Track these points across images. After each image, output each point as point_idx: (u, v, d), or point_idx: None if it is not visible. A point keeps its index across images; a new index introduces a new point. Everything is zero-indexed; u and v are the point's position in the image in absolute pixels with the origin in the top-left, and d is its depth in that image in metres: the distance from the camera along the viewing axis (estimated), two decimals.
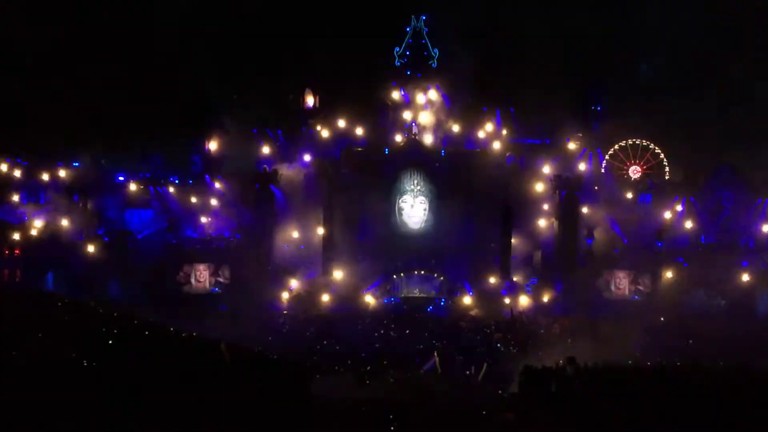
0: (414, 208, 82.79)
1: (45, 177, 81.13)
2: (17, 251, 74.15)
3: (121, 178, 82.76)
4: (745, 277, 73.95)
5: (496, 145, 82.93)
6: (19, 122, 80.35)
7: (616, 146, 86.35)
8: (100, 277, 73.14)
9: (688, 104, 79.37)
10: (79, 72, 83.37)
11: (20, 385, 29.96)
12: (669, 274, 75.11)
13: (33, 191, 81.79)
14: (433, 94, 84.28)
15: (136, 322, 45.31)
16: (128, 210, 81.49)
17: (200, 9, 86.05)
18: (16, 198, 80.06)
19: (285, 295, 75.12)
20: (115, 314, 47.65)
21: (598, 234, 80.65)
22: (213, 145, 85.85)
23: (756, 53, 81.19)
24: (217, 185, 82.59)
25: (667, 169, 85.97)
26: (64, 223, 77.67)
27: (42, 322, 41.39)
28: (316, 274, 78.75)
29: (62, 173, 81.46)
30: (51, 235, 76.13)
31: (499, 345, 59.91)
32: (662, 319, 69.98)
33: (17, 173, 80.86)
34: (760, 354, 53.40)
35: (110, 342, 38.88)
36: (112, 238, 77.33)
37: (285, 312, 72.26)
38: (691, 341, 60.95)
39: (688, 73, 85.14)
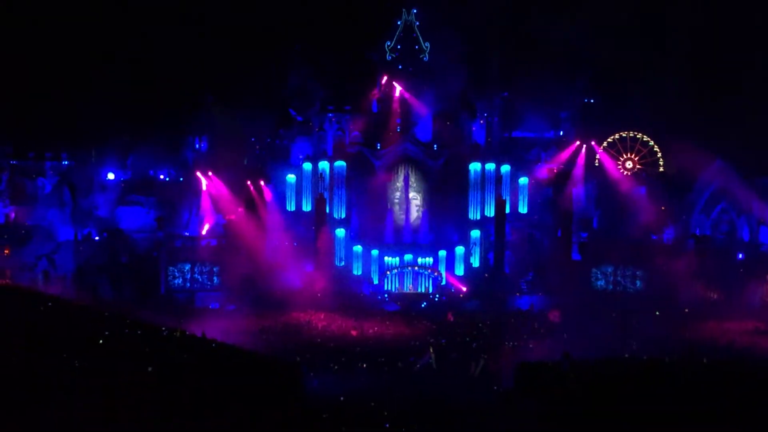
0: (407, 204, 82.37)
1: (34, 175, 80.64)
2: (6, 251, 73.55)
3: (111, 175, 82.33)
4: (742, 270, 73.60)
5: (489, 139, 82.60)
6: (9, 119, 79.90)
7: (610, 139, 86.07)
8: (90, 276, 72.55)
9: (683, 97, 79.05)
10: (69, 69, 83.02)
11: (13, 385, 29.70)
12: (664, 267, 74.64)
13: (22, 189, 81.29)
14: (425, 88, 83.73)
15: (128, 321, 44.96)
16: (119, 208, 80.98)
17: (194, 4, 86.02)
18: (4, 197, 79.57)
19: (279, 292, 74.62)
20: (106, 314, 47.31)
21: (593, 227, 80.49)
22: (203, 141, 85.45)
23: (750, 46, 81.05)
24: (208, 182, 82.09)
25: (661, 161, 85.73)
26: (54, 221, 77.17)
27: (31, 323, 41.00)
28: (309, 269, 78.31)
29: (51, 170, 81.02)
30: (41, 233, 75.53)
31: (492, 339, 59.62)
32: (657, 313, 69.64)
33: (5, 171, 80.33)
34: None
35: (102, 342, 38.54)
36: (102, 236, 76.77)
37: (279, 309, 71.68)
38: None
39: (683, 67, 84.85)
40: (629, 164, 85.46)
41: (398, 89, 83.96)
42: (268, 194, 79.84)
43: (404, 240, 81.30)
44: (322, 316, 66.81)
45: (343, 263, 79.60)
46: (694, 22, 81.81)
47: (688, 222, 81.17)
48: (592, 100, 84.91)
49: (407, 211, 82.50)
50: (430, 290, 78.27)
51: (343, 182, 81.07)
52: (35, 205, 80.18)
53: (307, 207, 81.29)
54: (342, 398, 39.72)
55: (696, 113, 78.35)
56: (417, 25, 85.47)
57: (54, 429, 27.19)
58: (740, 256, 75.80)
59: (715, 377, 35.69)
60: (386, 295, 76.78)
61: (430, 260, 79.62)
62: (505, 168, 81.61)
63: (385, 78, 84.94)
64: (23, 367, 32.15)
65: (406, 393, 40.99)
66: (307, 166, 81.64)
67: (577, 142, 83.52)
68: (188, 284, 75.53)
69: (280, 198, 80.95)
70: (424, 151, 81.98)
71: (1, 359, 32.83)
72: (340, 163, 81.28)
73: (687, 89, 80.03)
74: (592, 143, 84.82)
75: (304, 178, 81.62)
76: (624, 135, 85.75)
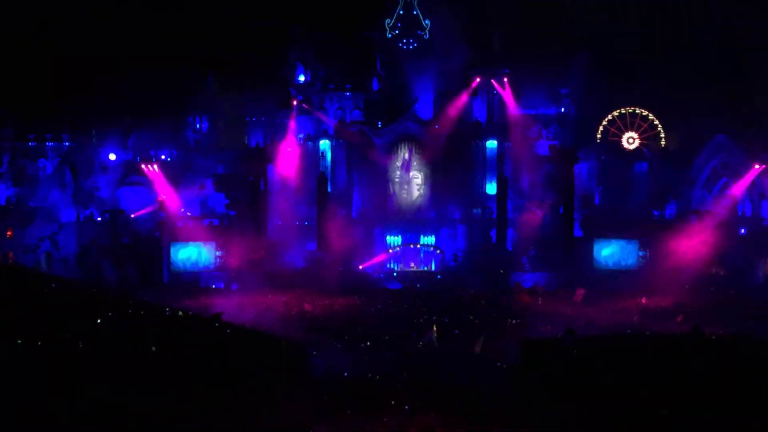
0: (409, 182, 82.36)
1: (35, 156, 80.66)
2: (9, 233, 73.59)
3: (112, 156, 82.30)
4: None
5: (490, 116, 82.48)
6: (9, 101, 79.80)
7: (611, 115, 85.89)
8: (93, 257, 72.63)
9: (684, 72, 78.85)
10: (68, 50, 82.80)
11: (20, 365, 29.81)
12: (667, 243, 74.62)
13: (23, 171, 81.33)
14: (426, 66, 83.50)
15: (131, 302, 45.03)
16: (120, 188, 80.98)
17: None
18: (6, 179, 79.59)
19: (282, 271, 74.79)
20: (110, 295, 47.43)
21: (594, 204, 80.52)
22: (204, 122, 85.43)
23: (752, 23, 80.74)
24: (210, 162, 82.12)
25: (662, 137, 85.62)
26: (56, 202, 77.24)
27: (34, 304, 41.08)
28: (312, 249, 78.42)
29: (53, 152, 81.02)
30: (43, 215, 75.60)
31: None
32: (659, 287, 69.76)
33: (7, 153, 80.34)
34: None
35: (105, 323, 38.64)
36: (104, 217, 76.80)
37: (283, 288, 71.80)
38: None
39: (684, 42, 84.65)
40: (631, 140, 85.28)
41: (399, 67, 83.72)
42: (269, 173, 79.80)
43: (406, 218, 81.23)
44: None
45: (346, 242, 79.55)
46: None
47: (689, 197, 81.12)
48: (594, 77, 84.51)
49: (409, 190, 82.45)
50: (433, 268, 78.39)
51: (344, 161, 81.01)
52: (37, 187, 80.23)
53: (308, 186, 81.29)
54: (346, 374, 39.83)
55: (698, 88, 78.10)
56: (417, 3, 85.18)
57: (59, 410, 27.31)
58: (742, 231, 75.79)
59: (719, 352, 35.83)
60: (390, 273, 76.85)
61: (432, 239, 79.74)
62: (507, 145, 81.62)
63: (386, 56, 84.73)
64: (27, 349, 32.24)
65: (409, 371, 41.09)
66: (309, 145, 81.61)
67: (578, 118, 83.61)
68: (191, 264, 75.52)
69: (282, 177, 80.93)
70: (425, 129, 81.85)
71: (4, 341, 32.92)
72: (341, 142, 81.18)
73: (688, 64, 79.93)
74: (593, 119, 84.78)
75: (306, 157, 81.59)
76: (625, 111, 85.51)
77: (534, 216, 78.88)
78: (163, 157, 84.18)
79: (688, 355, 35.18)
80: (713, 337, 41.75)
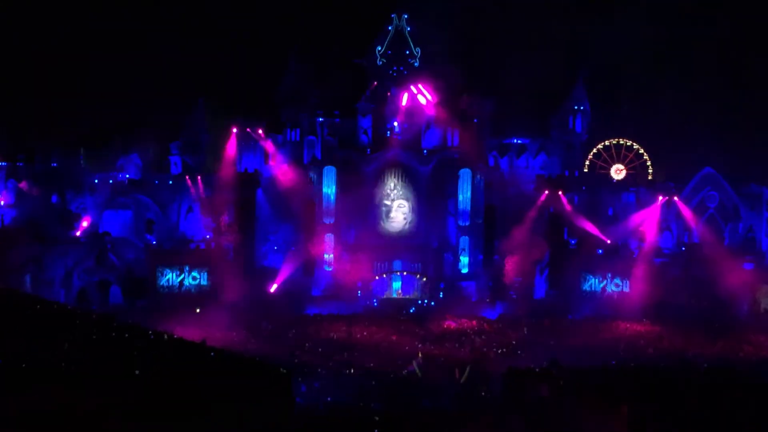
0: (396, 209, 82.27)
1: (22, 177, 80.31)
2: None
3: (99, 179, 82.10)
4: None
5: (479, 144, 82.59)
6: None
7: (600, 146, 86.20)
8: (78, 279, 72.26)
9: (672, 105, 79.36)
10: (58, 70, 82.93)
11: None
12: (651, 274, 74.82)
13: (9, 192, 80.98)
14: (416, 94, 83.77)
15: (115, 324, 44.79)
16: (107, 211, 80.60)
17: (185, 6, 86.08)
18: None
19: (267, 294, 74.68)
20: (94, 317, 47.15)
21: (582, 234, 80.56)
22: (195, 145, 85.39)
23: (741, 57, 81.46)
24: (197, 186, 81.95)
25: (650, 169, 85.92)
26: (42, 224, 76.79)
27: (18, 326, 40.81)
28: (298, 275, 78.28)
29: (40, 173, 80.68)
30: (28, 236, 75.10)
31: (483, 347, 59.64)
32: (645, 320, 69.95)
33: None
34: None
35: (89, 345, 38.40)
36: (90, 239, 76.43)
37: (267, 314, 71.66)
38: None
39: (672, 75, 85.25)
40: (618, 171, 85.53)
41: (388, 95, 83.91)
42: (258, 198, 79.73)
43: (393, 245, 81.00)
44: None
45: (331, 268, 79.53)
46: (685, 31, 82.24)
47: (677, 229, 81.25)
48: (582, 107, 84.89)
49: (396, 217, 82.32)
50: (418, 295, 78.27)
51: (333, 187, 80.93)
52: (22, 208, 79.80)
53: (296, 211, 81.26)
54: (329, 400, 39.72)
55: (685, 121, 78.63)
56: (408, 31, 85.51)
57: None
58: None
59: (707, 384, 35.79)
60: (374, 300, 76.71)
61: (419, 265, 79.62)
62: (495, 173, 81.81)
63: (376, 83, 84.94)
64: (10, 370, 31.99)
65: (394, 398, 40.97)
66: (298, 170, 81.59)
67: (567, 149, 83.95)
68: (177, 288, 75.26)
69: (270, 202, 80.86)
70: (414, 156, 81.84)
71: None
72: (329, 168, 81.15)
73: (676, 97, 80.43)
74: (581, 150, 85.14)
75: (294, 182, 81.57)
76: (614, 142, 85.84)
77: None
78: (150, 179, 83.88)
79: (675, 386, 35.14)
80: (703, 366, 41.90)
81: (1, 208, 79.02)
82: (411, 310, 74.31)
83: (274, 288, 75.59)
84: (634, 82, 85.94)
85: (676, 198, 80.00)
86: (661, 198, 79.54)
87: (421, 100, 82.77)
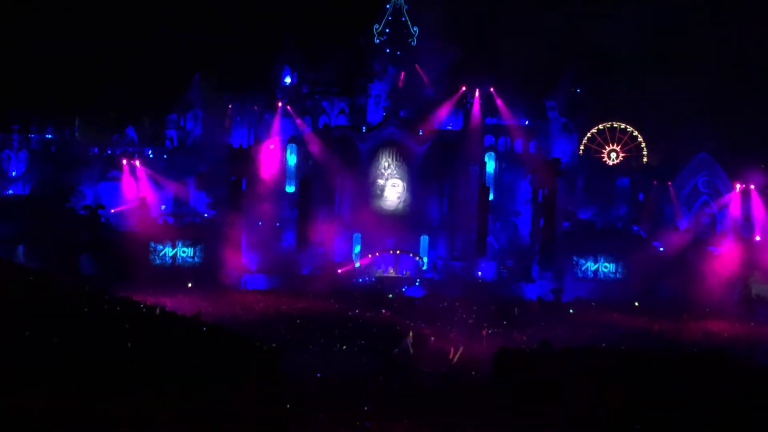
0: (390, 188, 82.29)
1: (17, 148, 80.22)
2: None
3: (95, 151, 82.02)
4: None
5: (474, 126, 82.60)
6: None
7: (595, 129, 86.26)
8: (72, 252, 72.24)
9: (668, 88, 79.21)
10: (54, 45, 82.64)
11: None
12: (644, 259, 75.04)
13: (4, 162, 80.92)
14: (412, 73, 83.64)
15: (107, 297, 44.83)
16: (101, 183, 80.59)
17: None
18: None
19: (259, 271, 74.83)
20: (87, 289, 47.17)
21: (575, 217, 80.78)
22: (188, 120, 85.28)
23: (738, 41, 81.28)
24: (192, 160, 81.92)
25: (645, 153, 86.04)
26: (36, 195, 76.77)
27: (12, 297, 40.83)
28: (291, 251, 78.39)
29: (35, 145, 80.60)
30: (23, 208, 75.07)
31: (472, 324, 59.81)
32: (636, 304, 70.22)
33: None
34: None
35: (81, 318, 38.45)
36: (84, 211, 76.40)
37: (259, 289, 71.84)
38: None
39: (668, 57, 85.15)
40: (614, 154, 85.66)
41: (385, 73, 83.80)
42: (252, 174, 79.64)
43: (387, 224, 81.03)
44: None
45: (325, 246, 79.58)
46: (682, 14, 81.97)
47: (671, 214, 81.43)
48: (578, 90, 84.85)
49: (390, 196, 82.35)
50: (411, 274, 78.40)
51: (328, 164, 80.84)
52: (17, 179, 79.76)
53: (290, 188, 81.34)
54: (319, 376, 39.81)
55: (681, 105, 78.51)
56: (405, 9, 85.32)
57: (33, 406, 27.10)
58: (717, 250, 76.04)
59: (695, 367, 35.92)
60: (368, 278, 76.82)
61: (412, 244, 79.72)
62: (490, 155, 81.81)
63: (373, 61, 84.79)
64: (3, 343, 32.01)
65: (384, 376, 41.10)
66: (292, 147, 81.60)
67: (562, 131, 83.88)
68: (169, 262, 75.36)
69: (264, 178, 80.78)
70: (409, 135, 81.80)
71: None
72: (325, 146, 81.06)
73: (673, 80, 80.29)
74: (576, 132, 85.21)
75: (289, 159, 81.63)
76: (609, 125, 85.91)
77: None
78: (146, 153, 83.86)
79: (664, 369, 35.26)
80: (693, 351, 42.06)
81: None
82: (404, 289, 74.40)
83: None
84: (630, 65, 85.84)
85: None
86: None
87: (418, 79, 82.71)
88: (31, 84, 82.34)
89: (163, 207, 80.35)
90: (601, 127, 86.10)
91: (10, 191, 79.72)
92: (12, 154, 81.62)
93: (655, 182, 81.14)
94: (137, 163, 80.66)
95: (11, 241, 71.47)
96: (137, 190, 79.45)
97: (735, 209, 79.64)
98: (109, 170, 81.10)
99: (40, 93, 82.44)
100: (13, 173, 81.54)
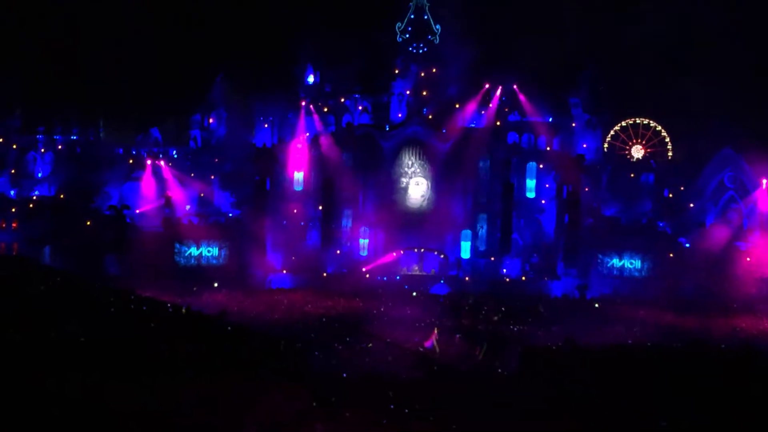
0: (414, 186, 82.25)
1: (43, 150, 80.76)
2: (14, 224, 73.66)
3: (120, 151, 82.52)
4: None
5: (498, 123, 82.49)
6: (18, 93, 79.98)
7: (618, 126, 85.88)
8: (98, 252, 72.69)
9: (692, 84, 78.78)
10: (79, 44, 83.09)
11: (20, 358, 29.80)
12: (670, 255, 74.69)
13: (30, 164, 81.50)
14: (435, 71, 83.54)
15: (133, 297, 45.13)
16: (127, 184, 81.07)
17: None
18: (13, 170, 79.63)
19: (284, 271, 74.94)
20: (113, 289, 47.51)
21: (599, 214, 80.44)
22: (212, 120, 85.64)
23: (762, 35, 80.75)
24: (216, 160, 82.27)
25: (669, 148, 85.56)
26: (62, 196, 77.33)
27: (39, 297, 41.17)
28: (316, 250, 78.55)
29: (60, 145, 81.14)
30: (49, 209, 75.64)
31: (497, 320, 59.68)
32: (662, 299, 69.76)
33: (14, 145, 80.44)
34: None
35: (108, 317, 38.67)
36: (109, 212, 76.87)
37: (285, 288, 71.95)
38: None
39: (692, 52, 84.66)
40: (638, 151, 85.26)
41: (408, 71, 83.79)
42: (276, 173, 79.87)
43: (411, 222, 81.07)
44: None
45: (349, 244, 79.70)
46: (705, 8, 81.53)
47: (696, 210, 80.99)
48: (601, 86, 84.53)
49: (414, 193, 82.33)
50: (435, 272, 78.36)
51: (351, 163, 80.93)
52: (43, 181, 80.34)
53: (315, 187, 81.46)
54: (345, 375, 39.78)
55: (706, 100, 78.07)
56: (428, 8, 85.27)
57: (59, 402, 27.29)
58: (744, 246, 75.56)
59: (723, 364, 35.70)
60: (392, 276, 76.78)
61: (436, 242, 79.68)
62: (514, 152, 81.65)
63: (395, 60, 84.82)
64: (30, 341, 32.28)
65: (410, 374, 41.08)
66: (316, 146, 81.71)
67: (587, 128, 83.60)
68: (195, 262, 75.68)
69: (288, 178, 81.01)
70: (433, 133, 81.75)
71: (8, 332, 32.97)
72: (347, 145, 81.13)
73: (697, 75, 79.85)
74: (600, 129, 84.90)
75: (313, 158, 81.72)
76: (633, 122, 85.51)
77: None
78: (170, 153, 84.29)
79: (690, 366, 35.08)
80: (721, 347, 41.74)
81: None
82: (429, 287, 74.36)
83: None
84: (653, 60, 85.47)
85: None
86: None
87: (441, 77, 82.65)
88: (55, 85, 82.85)
89: (187, 207, 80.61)
90: (624, 123, 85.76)
91: (36, 192, 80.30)
92: (38, 155, 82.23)
93: (680, 178, 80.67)
94: (162, 163, 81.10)
95: (38, 241, 72.07)
96: (162, 190, 79.83)
97: (762, 204, 79.04)
98: (134, 171, 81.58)
99: (64, 94, 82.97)
100: (39, 174, 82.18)
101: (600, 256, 76.43)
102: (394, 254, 78.64)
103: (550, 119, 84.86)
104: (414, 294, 70.36)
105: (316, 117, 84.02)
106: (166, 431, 26.89)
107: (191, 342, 34.96)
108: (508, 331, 55.91)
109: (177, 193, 79.70)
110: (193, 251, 75.70)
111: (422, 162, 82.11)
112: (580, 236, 77.07)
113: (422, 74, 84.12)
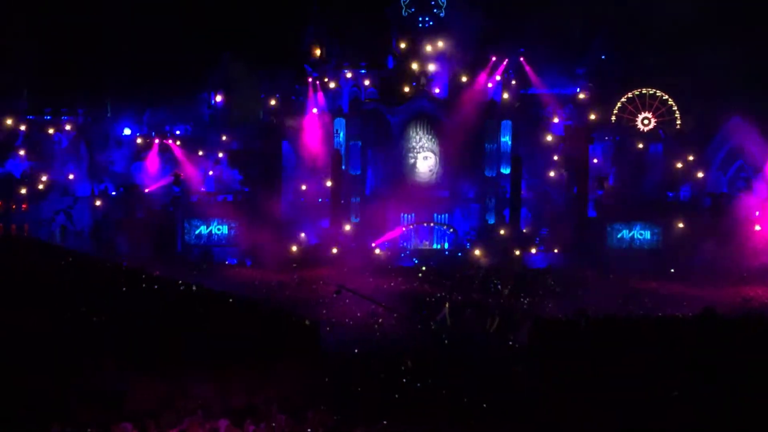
0: (422, 161, 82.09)
1: (50, 130, 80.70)
2: (24, 206, 73.85)
3: (127, 131, 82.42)
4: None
5: (506, 96, 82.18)
6: (24, 75, 79.82)
7: (627, 96, 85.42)
8: (107, 231, 72.89)
9: (700, 52, 78.16)
10: (84, 24, 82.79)
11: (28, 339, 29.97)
12: (680, 225, 74.51)
13: (38, 144, 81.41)
14: (441, 44, 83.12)
15: (144, 276, 45.25)
16: (135, 163, 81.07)
17: None
18: (22, 152, 79.66)
19: (294, 248, 74.84)
20: (123, 269, 47.65)
21: (608, 185, 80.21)
22: (219, 98, 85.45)
23: None
24: (224, 138, 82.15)
25: (678, 118, 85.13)
26: (71, 177, 77.43)
27: (49, 277, 41.32)
28: (325, 227, 78.53)
29: (68, 126, 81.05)
30: (58, 188, 75.83)
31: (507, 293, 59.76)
32: (672, 270, 69.72)
33: (22, 126, 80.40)
34: None
35: (120, 297, 38.84)
36: (118, 191, 77.02)
37: (294, 266, 71.92)
38: None
39: (699, 21, 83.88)
40: (646, 121, 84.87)
41: (414, 45, 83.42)
42: (284, 150, 79.78)
43: (419, 197, 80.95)
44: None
45: (358, 219, 79.66)
46: None
47: (704, 179, 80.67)
48: (609, 57, 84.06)
49: (423, 168, 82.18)
50: (446, 246, 78.41)
51: (359, 138, 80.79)
52: (52, 161, 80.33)
53: (322, 163, 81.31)
54: (356, 351, 39.96)
55: (714, 69, 77.50)
56: None
57: (72, 384, 27.46)
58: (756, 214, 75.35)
59: (733, 335, 35.65)
60: (402, 252, 76.87)
61: (445, 217, 79.70)
62: (522, 125, 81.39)
63: (401, 34, 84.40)
64: (42, 322, 32.43)
65: (422, 348, 41.23)
66: (323, 122, 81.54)
67: (594, 99, 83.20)
68: (204, 240, 75.85)
69: (296, 154, 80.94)
70: (440, 107, 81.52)
71: (20, 314, 33.13)
72: (355, 120, 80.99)
73: (705, 44, 79.20)
74: (608, 100, 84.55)
75: (320, 134, 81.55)
76: (641, 92, 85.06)
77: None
78: (177, 132, 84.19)
79: (701, 335, 35.06)
80: (731, 317, 41.67)
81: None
82: (438, 261, 74.37)
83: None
84: (660, 30, 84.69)
85: None
86: None
87: (447, 50, 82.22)
88: (61, 65, 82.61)
89: (197, 185, 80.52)
90: (631, 94, 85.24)
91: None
92: (63, 137, 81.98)
93: (689, 148, 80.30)
94: (170, 141, 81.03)
95: (49, 222, 72.37)
96: (170, 168, 79.77)
97: None
98: (142, 150, 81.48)
99: (71, 74, 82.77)
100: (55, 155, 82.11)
101: (609, 227, 76.29)
102: (404, 229, 78.66)
103: (558, 90, 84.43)
104: (423, 268, 70.45)
105: (322, 92, 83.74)
106: (176, 410, 27.06)
107: (204, 320, 35.11)
108: (519, 305, 56.01)
109: (185, 171, 79.57)
110: (203, 229, 75.80)
111: (430, 136, 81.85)
112: (588, 208, 76.88)
113: (428, 48, 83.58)
